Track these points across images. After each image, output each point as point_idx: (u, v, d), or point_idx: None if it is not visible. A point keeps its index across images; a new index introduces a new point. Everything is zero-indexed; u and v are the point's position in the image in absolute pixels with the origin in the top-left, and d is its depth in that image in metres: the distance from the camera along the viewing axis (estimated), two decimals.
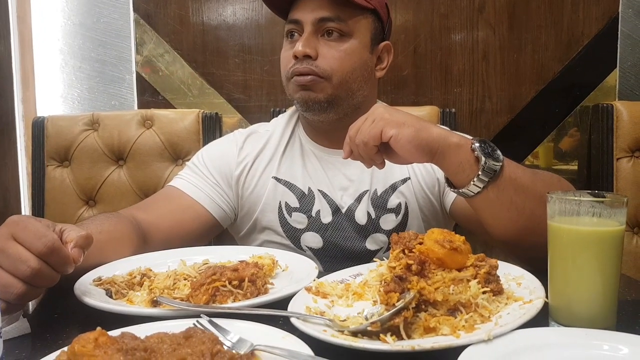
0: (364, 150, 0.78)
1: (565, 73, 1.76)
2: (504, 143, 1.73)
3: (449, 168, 0.78)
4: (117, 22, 1.78)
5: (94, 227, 0.80)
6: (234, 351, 0.46)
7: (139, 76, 1.76)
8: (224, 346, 0.46)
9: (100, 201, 1.57)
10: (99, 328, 0.43)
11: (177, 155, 1.57)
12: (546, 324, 0.60)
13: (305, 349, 0.49)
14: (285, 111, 1.55)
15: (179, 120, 1.58)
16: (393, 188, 1.04)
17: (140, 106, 1.76)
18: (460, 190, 0.77)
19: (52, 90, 1.81)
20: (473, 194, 0.76)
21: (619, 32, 1.74)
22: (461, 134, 0.84)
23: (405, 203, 1.03)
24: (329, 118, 1.01)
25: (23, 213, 1.78)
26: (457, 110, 1.67)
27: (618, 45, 1.74)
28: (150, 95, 1.75)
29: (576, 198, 0.59)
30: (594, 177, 1.60)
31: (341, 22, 0.97)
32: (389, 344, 0.52)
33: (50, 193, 1.57)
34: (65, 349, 0.45)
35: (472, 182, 0.75)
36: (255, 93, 1.76)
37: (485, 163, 0.74)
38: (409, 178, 1.05)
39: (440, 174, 1.03)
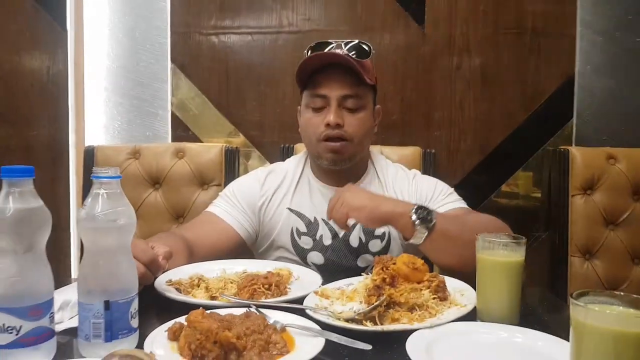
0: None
1: (529, 121, 2.02)
2: (477, 178, 2.04)
3: (398, 229, 1.11)
4: (154, 66, 2.09)
5: (163, 242, 1.07)
6: (275, 326, 0.77)
7: (173, 114, 2.08)
8: (268, 323, 0.77)
9: (139, 217, 1.81)
10: (200, 308, 0.74)
11: (204, 181, 1.83)
12: (474, 320, 0.89)
13: (316, 327, 0.79)
14: (292, 147, 1.86)
15: (206, 153, 1.85)
16: None
17: (173, 139, 2.06)
18: (409, 242, 1.09)
19: (97, 122, 2.12)
20: (418, 244, 1.08)
21: (575, 88, 2.01)
22: (406, 202, 1.19)
23: (389, 232, 1.33)
24: (344, 167, 1.31)
25: (71, 228, 2.07)
26: (437, 150, 1.91)
27: (574, 99, 2.01)
28: (182, 130, 2.07)
29: (491, 239, 0.90)
30: (553, 209, 1.83)
31: (358, 98, 1.27)
32: (368, 326, 0.82)
33: None
34: (172, 321, 0.76)
35: (412, 238, 1.07)
36: (269, 131, 2.07)
37: (418, 226, 1.06)
38: None
39: None
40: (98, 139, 2.09)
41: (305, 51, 1.30)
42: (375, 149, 1.75)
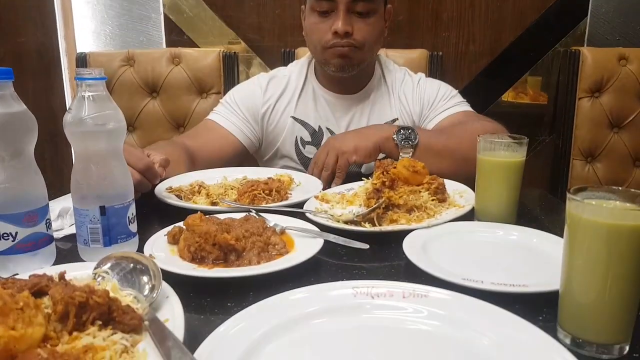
0: (330, 177, 1.12)
1: (541, 20, 1.92)
2: (484, 81, 1.98)
3: (386, 152, 1.12)
4: None
5: (162, 151, 1.07)
6: (275, 228, 0.78)
7: (166, 17, 1.97)
8: (268, 226, 0.78)
9: (138, 127, 1.83)
10: (199, 212, 0.74)
11: (202, 89, 1.80)
12: (471, 220, 0.90)
13: (315, 228, 0.80)
14: (293, 51, 1.79)
15: (203, 59, 1.80)
16: None
17: (168, 44, 1.97)
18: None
19: (87, 27, 2.02)
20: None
21: None
22: (388, 125, 1.22)
23: None
24: (351, 73, 1.25)
25: None
26: (445, 53, 1.87)
27: None
28: (176, 34, 1.97)
29: (493, 140, 0.87)
30: (558, 113, 1.82)
31: (369, 1, 1.18)
32: (366, 227, 0.83)
33: None
34: (172, 226, 0.76)
35: (401, 154, 1.09)
36: (267, 34, 1.97)
37: (402, 146, 1.11)
38: (397, 118, 1.33)
39: (417, 115, 1.31)
40: (89, 46, 2.01)
41: None
42: (381, 53, 1.68)
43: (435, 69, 1.80)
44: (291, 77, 1.35)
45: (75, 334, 0.45)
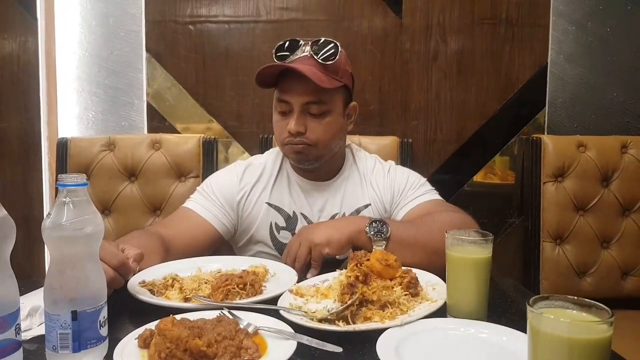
0: (302, 267, 1.15)
1: (503, 110, 2.05)
2: (453, 166, 2.07)
3: (359, 245, 1.14)
4: (128, 55, 2.04)
5: (135, 242, 1.07)
6: (247, 330, 0.78)
7: (149, 105, 2.04)
8: (241, 327, 0.78)
9: (114, 211, 1.82)
10: (171, 315, 0.74)
11: (181, 173, 1.83)
12: (444, 316, 0.91)
13: (289, 329, 0.80)
14: (271, 137, 1.86)
15: (183, 144, 1.84)
16: (357, 211, 1.36)
17: (149, 130, 2.03)
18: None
19: (70, 112, 2.07)
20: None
21: (547, 77, 2.03)
22: (360, 217, 1.25)
23: None
24: (312, 166, 1.32)
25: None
26: (414, 140, 1.97)
27: (547, 88, 2.04)
28: (158, 121, 2.03)
29: (460, 237, 0.91)
30: (525, 196, 1.89)
31: (322, 104, 1.25)
32: (340, 327, 0.84)
33: None
34: (144, 327, 0.76)
35: (374, 246, 1.13)
36: (247, 121, 2.05)
37: (374, 239, 1.14)
38: (370, 204, 1.38)
39: (388, 202, 1.36)
40: (71, 131, 2.05)
41: (273, 50, 1.26)
42: (354, 139, 1.76)
43: (406, 155, 1.89)
44: (267, 165, 1.40)
45: None
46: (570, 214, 1.84)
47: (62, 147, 1.82)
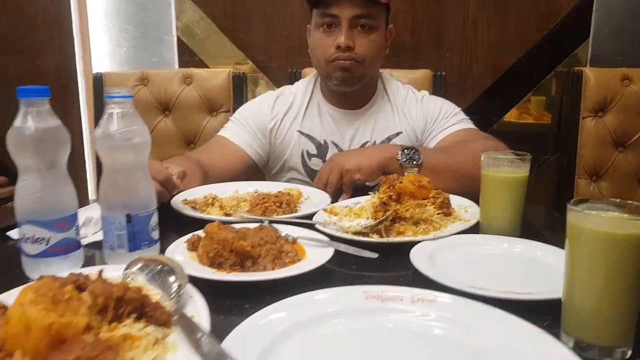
0: (333, 193, 1.15)
1: (543, 42, 1.97)
2: (487, 101, 2.03)
3: (390, 172, 1.12)
4: None
5: (178, 165, 1.12)
6: (288, 238, 0.82)
7: (179, 39, 2.04)
8: (280, 235, 0.82)
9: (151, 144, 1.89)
10: (221, 212, 0.78)
11: (212, 107, 1.86)
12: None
13: (325, 239, 0.84)
14: (300, 72, 1.85)
15: (213, 79, 1.86)
16: (388, 140, 1.37)
17: (180, 65, 2.05)
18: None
19: (102, 49, 2.09)
20: None
21: (594, 5, 1.93)
22: (392, 144, 1.25)
23: None
24: (353, 88, 1.31)
25: (85, 154, 2.12)
26: (447, 73, 1.90)
27: (592, 18, 1.94)
28: (189, 56, 2.04)
29: (497, 156, 0.92)
30: (562, 131, 1.85)
31: (371, 19, 1.24)
32: (374, 238, 0.87)
33: None
34: (191, 234, 0.81)
35: (405, 174, 1.11)
36: (275, 55, 2.04)
37: (406, 166, 1.14)
38: (401, 132, 1.38)
39: (420, 130, 1.36)
40: (104, 66, 2.08)
41: None
42: (385, 72, 1.73)
43: (438, 89, 1.85)
44: (297, 94, 1.41)
45: (113, 324, 0.49)
46: (608, 150, 1.80)
47: (98, 82, 1.85)
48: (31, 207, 0.71)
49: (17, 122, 0.70)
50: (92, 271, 0.58)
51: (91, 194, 2.10)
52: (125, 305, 0.51)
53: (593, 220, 0.53)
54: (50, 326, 0.43)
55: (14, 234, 0.92)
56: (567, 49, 2.00)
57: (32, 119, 0.70)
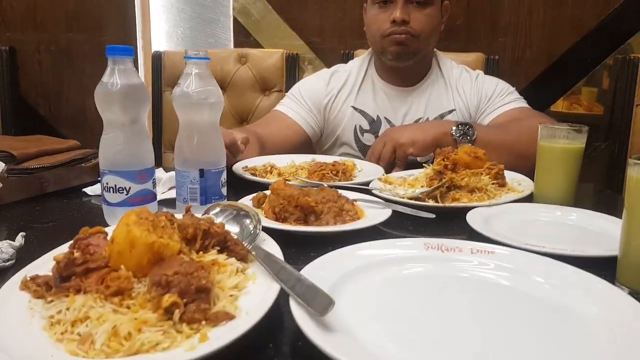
0: (386, 167, 1.17)
1: (599, 28, 1.92)
2: (540, 86, 2.00)
3: (446, 144, 1.14)
4: None
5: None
6: (348, 198, 0.85)
7: (235, 19, 2.11)
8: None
9: None
10: (280, 179, 0.83)
11: (265, 87, 1.92)
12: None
13: (382, 202, 0.87)
14: (352, 53, 1.87)
15: (267, 58, 1.92)
16: (441, 117, 1.39)
17: (235, 45, 2.11)
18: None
19: (161, 28, 2.19)
20: None
21: None
22: (446, 120, 1.27)
23: None
24: (408, 64, 1.33)
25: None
26: (500, 57, 1.89)
27: None
28: (244, 36, 2.11)
29: (554, 127, 0.92)
30: (615, 119, 1.81)
31: None
32: (430, 203, 0.90)
33: (166, 111, 1.96)
34: (256, 193, 0.86)
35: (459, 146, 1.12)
36: (329, 37, 2.08)
37: (460, 141, 1.15)
38: (454, 109, 1.39)
39: (474, 108, 1.37)
40: (162, 45, 2.17)
41: None
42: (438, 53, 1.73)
43: (491, 72, 1.82)
44: (352, 71, 1.44)
45: (200, 253, 0.54)
46: None
47: (157, 60, 1.94)
48: (114, 159, 0.78)
49: (105, 78, 0.76)
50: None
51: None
52: (211, 237, 0.56)
53: None
54: (153, 244, 0.49)
55: (89, 190, 1.00)
56: (624, 36, 1.95)
57: (119, 75, 0.76)
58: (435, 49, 1.44)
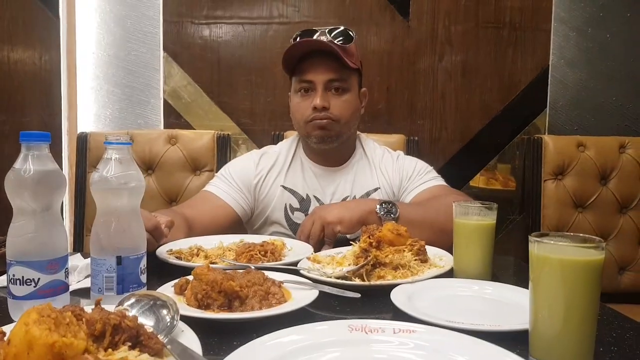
0: (316, 245, 1.20)
1: (505, 111, 2.15)
2: (457, 165, 2.15)
3: (369, 224, 1.18)
4: (145, 55, 2.14)
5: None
6: (274, 280, 0.84)
7: (165, 102, 2.13)
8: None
9: None
10: (206, 261, 0.81)
11: (196, 167, 1.91)
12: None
13: (309, 282, 0.87)
14: (282, 134, 1.94)
15: (198, 139, 1.92)
16: (367, 194, 1.44)
17: (165, 126, 2.12)
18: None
19: (89, 109, 2.16)
20: None
21: (549, 80, 2.13)
22: (370, 199, 1.34)
23: None
24: (332, 146, 1.40)
25: (65, 210, 2.11)
26: (420, 138, 2.03)
27: (548, 90, 2.14)
28: (174, 118, 2.12)
29: (466, 205, 0.99)
30: (526, 194, 1.94)
31: (343, 82, 1.36)
32: (356, 282, 0.91)
33: (90, 194, 1.89)
34: (178, 280, 0.83)
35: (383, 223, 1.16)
36: (259, 119, 2.15)
37: (384, 219, 1.19)
38: (379, 187, 1.45)
39: (396, 186, 1.44)
40: (89, 127, 2.13)
41: (292, 39, 1.38)
42: (361, 136, 1.84)
43: (412, 152, 1.95)
44: (281, 152, 1.49)
45: (109, 351, 0.51)
46: (569, 210, 1.89)
47: (82, 141, 1.89)
48: (23, 248, 0.73)
49: (18, 164, 0.73)
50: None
51: (69, 247, 2.07)
52: (122, 332, 0.53)
53: (550, 248, 0.60)
54: (53, 344, 0.45)
55: None
56: (527, 118, 2.17)
57: (32, 162, 0.73)
58: (358, 132, 1.53)
